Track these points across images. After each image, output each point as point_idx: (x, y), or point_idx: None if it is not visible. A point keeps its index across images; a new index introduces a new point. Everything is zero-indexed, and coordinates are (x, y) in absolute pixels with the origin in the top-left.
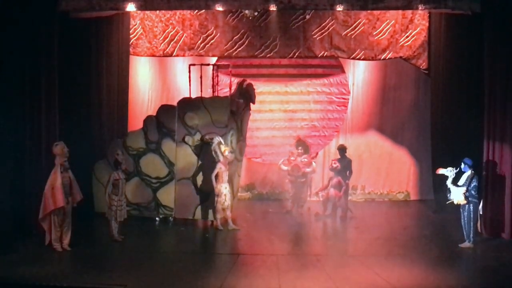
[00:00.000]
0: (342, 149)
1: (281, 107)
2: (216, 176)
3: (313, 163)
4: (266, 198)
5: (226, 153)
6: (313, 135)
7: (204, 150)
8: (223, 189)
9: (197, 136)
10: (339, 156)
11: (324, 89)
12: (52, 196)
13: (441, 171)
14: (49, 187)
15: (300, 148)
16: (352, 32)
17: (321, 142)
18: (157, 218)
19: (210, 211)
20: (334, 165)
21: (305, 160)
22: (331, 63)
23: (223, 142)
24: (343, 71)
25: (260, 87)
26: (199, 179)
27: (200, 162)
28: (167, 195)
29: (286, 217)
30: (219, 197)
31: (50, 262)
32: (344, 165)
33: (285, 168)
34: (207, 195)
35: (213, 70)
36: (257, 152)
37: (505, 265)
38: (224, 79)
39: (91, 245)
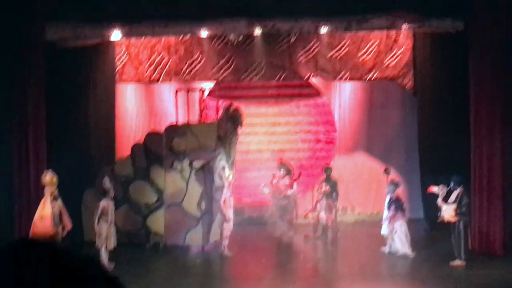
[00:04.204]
0: (327, 170)
1: (269, 147)
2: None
3: (295, 185)
4: (256, 222)
5: (230, 178)
6: (302, 175)
7: (198, 175)
8: (230, 214)
9: (186, 162)
10: (325, 177)
11: (311, 128)
12: (40, 225)
13: (433, 189)
14: (38, 216)
15: (282, 170)
16: (337, 54)
17: (310, 181)
18: (147, 245)
19: (207, 235)
20: (324, 189)
21: (287, 182)
22: (317, 103)
23: (227, 167)
24: (329, 110)
25: (248, 128)
26: (201, 204)
27: (198, 189)
28: (157, 222)
29: (276, 241)
30: (227, 222)
31: None
32: (331, 186)
33: (267, 191)
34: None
35: (199, 95)
36: (246, 193)
37: (497, 282)
38: (211, 103)
39: None
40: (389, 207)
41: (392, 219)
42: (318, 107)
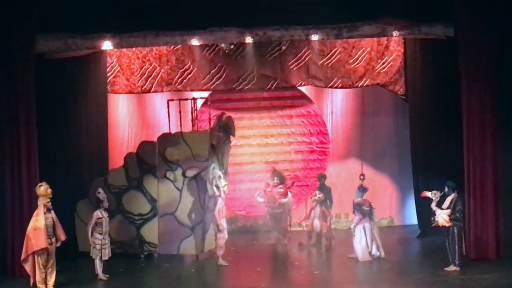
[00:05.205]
0: (322, 178)
1: (262, 158)
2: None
3: (289, 193)
4: (250, 231)
5: (225, 188)
6: (296, 185)
7: (191, 184)
8: (224, 223)
9: (179, 171)
10: (318, 185)
11: (304, 139)
12: (34, 237)
13: (426, 194)
14: (31, 228)
15: (275, 178)
16: (329, 61)
17: (304, 192)
18: (141, 255)
19: (201, 244)
20: (319, 196)
21: (281, 190)
22: (310, 114)
23: (222, 177)
24: (322, 121)
25: (240, 140)
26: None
27: (191, 199)
28: (151, 232)
29: (270, 249)
30: (221, 232)
31: None
32: (325, 194)
33: (261, 200)
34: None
35: (191, 104)
36: (240, 205)
37: (491, 286)
38: (203, 112)
39: (76, 285)
40: (353, 212)
41: (357, 223)
42: (311, 118)
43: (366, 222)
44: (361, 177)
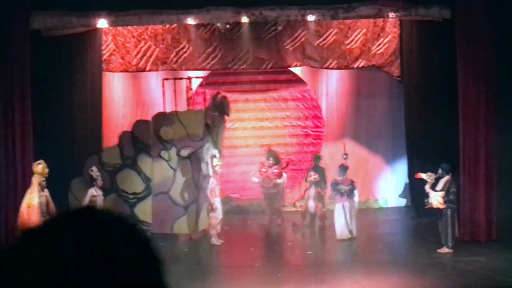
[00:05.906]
0: (317, 159)
1: (257, 142)
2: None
3: (284, 174)
4: (244, 211)
5: (217, 168)
6: (290, 169)
7: (186, 164)
8: (217, 203)
9: (173, 151)
10: (313, 165)
11: (299, 123)
12: (28, 214)
13: (421, 175)
14: (25, 206)
15: (271, 159)
16: (324, 42)
17: (298, 176)
18: None
19: (194, 224)
20: (314, 177)
21: (276, 171)
22: (305, 97)
23: (217, 156)
24: (317, 105)
25: (235, 123)
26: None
27: (185, 178)
28: (145, 211)
29: (264, 229)
30: (214, 212)
31: None
32: (319, 174)
33: (256, 180)
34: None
35: (186, 83)
36: (235, 188)
37: (483, 268)
38: (198, 95)
39: None
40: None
41: (336, 201)
42: (306, 102)
43: (345, 201)
44: (344, 156)
